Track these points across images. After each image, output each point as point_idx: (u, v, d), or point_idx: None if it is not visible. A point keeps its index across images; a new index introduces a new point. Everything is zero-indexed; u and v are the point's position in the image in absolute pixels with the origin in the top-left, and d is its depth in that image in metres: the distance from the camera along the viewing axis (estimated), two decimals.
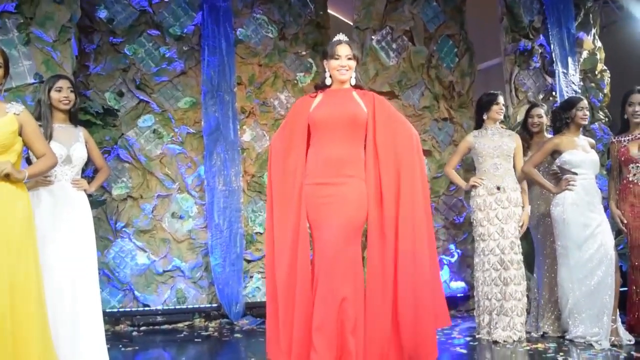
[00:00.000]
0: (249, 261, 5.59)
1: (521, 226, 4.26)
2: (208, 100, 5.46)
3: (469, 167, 5.33)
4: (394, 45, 5.89)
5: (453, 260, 5.86)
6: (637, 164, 4.12)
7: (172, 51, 5.54)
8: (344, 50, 3.09)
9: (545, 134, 4.67)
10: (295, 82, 5.96)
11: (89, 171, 4.73)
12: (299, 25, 6.00)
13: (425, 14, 6.02)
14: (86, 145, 3.72)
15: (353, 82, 3.15)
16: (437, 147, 5.92)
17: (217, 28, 5.52)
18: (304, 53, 6.01)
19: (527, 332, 4.25)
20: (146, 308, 5.26)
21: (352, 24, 6.02)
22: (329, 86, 3.16)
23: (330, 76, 3.14)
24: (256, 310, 5.44)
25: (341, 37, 3.16)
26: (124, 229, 5.30)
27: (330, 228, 2.93)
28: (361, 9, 5.80)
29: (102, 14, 5.39)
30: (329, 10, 6.42)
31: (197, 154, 5.53)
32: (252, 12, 5.83)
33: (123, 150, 5.36)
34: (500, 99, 4.37)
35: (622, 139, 4.24)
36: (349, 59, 3.09)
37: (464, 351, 4.01)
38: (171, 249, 5.39)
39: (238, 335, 4.80)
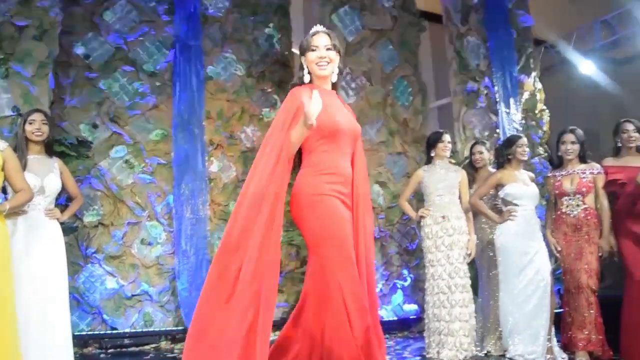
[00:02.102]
0: None
1: (469, 254, 4.58)
2: (178, 133, 5.76)
3: (421, 197, 5.74)
4: (353, 85, 6.32)
5: (406, 284, 6.22)
6: (570, 197, 4.46)
7: (145, 86, 5.84)
8: (322, 40, 2.67)
9: (489, 168, 5.09)
10: (261, 117, 6.32)
11: (62, 199, 4.93)
12: (266, 64, 6.40)
13: (382, 57, 6.49)
14: (61, 176, 3.90)
15: (334, 78, 2.76)
16: (392, 179, 6.34)
17: (188, 66, 5.84)
18: (269, 90, 6.39)
19: (472, 352, 4.49)
20: (114, 331, 5.44)
21: None
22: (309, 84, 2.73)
23: (309, 72, 2.71)
24: None
25: (317, 27, 2.76)
26: (94, 255, 5.50)
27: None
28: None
29: (79, 50, 5.67)
30: (293, 50, 6.84)
31: (167, 183, 5.80)
32: (222, 51, 6.19)
33: (95, 179, 5.58)
34: (446, 137, 4.72)
35: (557, 174, 4.59)
36: (328, 49, 2.66)
37: None
38: (140, 274, 5.61)
39: None
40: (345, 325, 2.49)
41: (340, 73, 2.80)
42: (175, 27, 5.91)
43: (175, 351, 5.26)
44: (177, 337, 5.60)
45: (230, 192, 6.07)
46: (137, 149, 5.77)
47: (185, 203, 5.69)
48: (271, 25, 6.45)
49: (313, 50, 2.66)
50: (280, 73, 6.47)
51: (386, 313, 6.12)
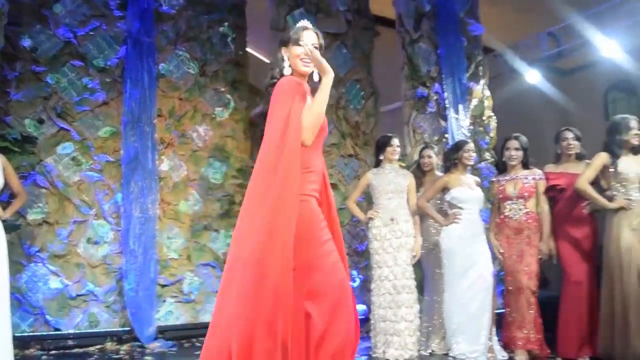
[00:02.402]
0: (162, 286, 5.77)
1: (414, 256, 4.70)
2: (128, 131, 5.66)
3: (370, 199, 5.83)
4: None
5: (355, 285, 6.30)
6: (512, 201, 4.62)
7: (95, 82, 5.72)
8: (311, 37, 2.64)
9: (436, 172, 5.22)
10: (214, 116, 6.29)
11: (4, 196, 4.80)
12: (220, 63, 6.37)
13: (336, 60, 6.54)
14: (3, 172, 3.81)
15: (316, 77, 2.66)
16: (342, 181, 6.41)
17: (140, 62, 5.75)
18: (222, 89, 6.36)
19: (417, 351, 4.65)
20: (57, 332, 5.31)
21: (268, 64, 6.42)
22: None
23: (290, 66, 2.65)
24: (168, 333, 5.63)
25: (306, 23, 2.71)
26: (37, 254, 5.35)
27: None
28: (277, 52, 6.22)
29: (26, 42, 5.49)
30: (248, 50, 6.83)
31: (115, 181, 5.70)
32: (175, 48, 6.13)
33: (40, 176, 5.43)
34: (394, 141, 4.82)
35: (501, 178, 4.76)
36: (315, 47, 2.62)
37: None
38: (85, 274, 5.49)
39: (149, 358, 4.95)
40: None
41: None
42: (128, 22, 5.81)
43: (121, 352, 5.18)
44: (123, 337, 5.51)
45: (180, 192, 6.02)
46: (85, 145, 5.65)
47: (134, 202, 5.60)
48: (226, 24, 6.42)
49: (300, 44, 2.61)
50: (234, 73, 6.45)
51: None
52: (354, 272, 6.32)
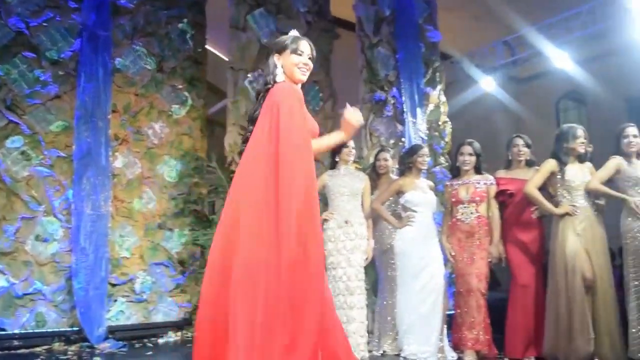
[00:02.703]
0: (113, 285, 5.67)
1: (366, 258, 4.72)
2: (81, 126, 5.54)
3: (326, 200, 5.85)
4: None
5: None
6: (465, 205, 4.71)
7: (47, 75, 5.57)
8: (307, 48, 2.72)
9: (391, 175, 5.29)
10: (170, 113, 6.22)
11: None
12: (178, 59, 6.30)
13: None
14: None
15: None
16: None
17: (95, 56, 5.64)
18: (180, 86, 6.29)
19: (369, 351, 4.69)
20: (2, 332, 5.14)
21: (227, 62, 6.40)
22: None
23: (284, 73, 2.70)
24: (119, 333, 5.53)
25: (297, 33, 2.82)
26: None
27: None
28: (236, 51, 6.20)
29: None
30: (208, 47, 6.78)
31: (66, 177, 5.56)
32: (132, 43, 6.03)
33: None
34: (350, 143, 4.82)
35: (454, 183, 4.85)
36: (309, 58, 2.73)
37: None
38: (33, 272, 5.34)
39: (97, 358, 4.86)
40: None
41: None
42: (83, 14, 5.69)
43: (69, 353, 5.06)
44: (71, 338, 5.39)
45: (134, 189, 5.92)
46: (36, 140, 5.50)
47: (85, 199, 5.48)
48: (185, 20, 6.35)
49: (299, 54, 2.68)
50: (192, 70, 6.39)
51: None
52: None
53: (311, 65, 2.72)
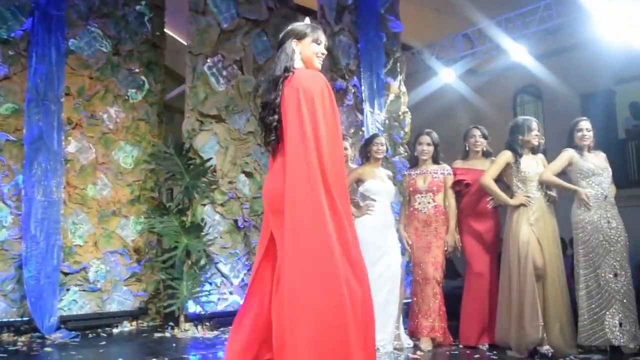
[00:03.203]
0: (66, 274, 5.52)
1: None
2: (32, 108, 5.33)
3: None
4: (224, 72, 6.24)
5: None
6: (422, 195, 4.78)
7: None
8: (324, 38, 2.79)
9: (350, 164, 5.28)
10: (127, 97, 6.07)
11: None
12: (135, 42, 6.14)
13: (256, 47, 6.48)
14: None
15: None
16: (258, 169, 6.37)
17: (47, 36, 5.43)
18: (137, 70, 6.14)
19: None
20: None
21: (186, 46, 6.27)
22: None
23: (302, 59, 2.73)
24: (71, 323, 5.39)
25: (313, 23, 2.88)
26: None
27: None
28: (195, 35, 6.08)
29: None
30: (166, 30, 6.62)
31: (16, 162, 5.36)
32: (87, 24, 5.84)
33: None
34: None
35: (412, 172, 4.91)
36: (325, 48, 2.81)
37: None
38: None
39: (49, 349, 4.71)
40: None
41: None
42: None
43: (19, 344, 4.90)
44: (21, 328, 5.23)
45: (88, 175, 5.76)
46: None
47: (36, 184, 5.29)
48: (143, 2, 6.19)
49: (318, 43, 2.73)
50: (149, 53, 6.25)
51: None
52: None
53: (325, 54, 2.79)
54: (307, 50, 2.72)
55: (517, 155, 4.47)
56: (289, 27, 2.78)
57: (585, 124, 4.46)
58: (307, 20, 2.89)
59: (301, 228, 2.45)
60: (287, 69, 2.66)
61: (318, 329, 2.37)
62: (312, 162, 2.47)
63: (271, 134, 2.62)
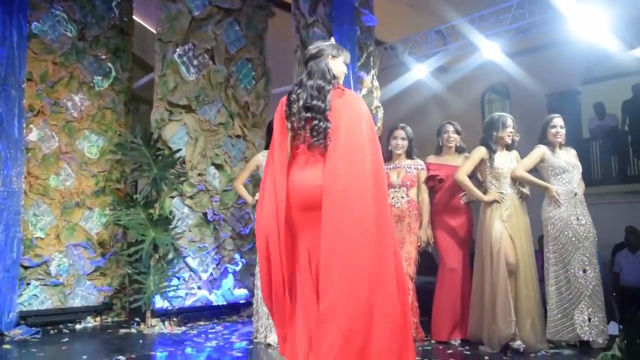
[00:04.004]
0: (26, 267, 5.30)
1: None
2: None
3: (257, 182, 5.73)
4: (195, 62, 6.09)
5: (238, 269, 6.19)
6: (396, 189, 4.73)
7: None
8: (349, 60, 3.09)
9: None
10: (92, 85, 5.87)
11: None
12: (101, 28, 5.94)
13: (228, 36, 6.34)
14: None
15: None
16: (229, 162, 6.24)
17: (9, 18, 5.19)
18: (103, 57, 5.95)
19: None
20: None
21: (156, 34, 6.10)
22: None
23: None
24: (31, 319, 5.19)
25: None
26: None
27: None
28: (165, 22, 5.91)
29: None
30: (135, 17, 6.42)
31: None
32: (51, 7, 5.62)
33: None
34: None
35: (386, 167, 4.81)
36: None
37: (240, 354, 4.31)
38: None
39: (7, 346, 4.52)
40: None
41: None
42: None
43: None
44: None
45: (50, 165, 5.55)
46: None
47: None
48: None
49: (345, 64, 2.97)
50: (117, 40, 6.06)
51: (216, 297, 6.03)
52: (237, 256, 6.20)
53: None
54: (337, 68, 2.92)
55: (492, 151, 4.47)
56: (325, 45, 2.96)
57: (559, 121, 4.50)
58: (333, 40, 3.08)
59: (359, 228, 2.66)
60: (330, 82, 2.86)
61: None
62: (370, 171, 2.74)
63: (320, 137, 2.78)
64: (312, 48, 2.99)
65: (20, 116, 5.23)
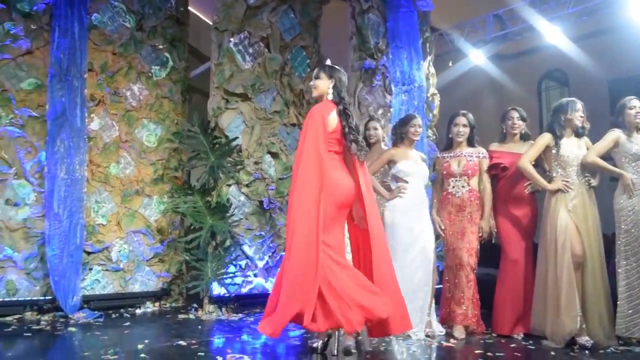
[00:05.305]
0: (89, 253, 5.43)
1: None
2: (55, 84, 5.21)
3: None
4: (250, 50, 6.08)
5: None
6: (456, 178, 4.61)
7: (19, 28, 5.21)
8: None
9: (382, 145, 5.14)
10: (150, 74, 5.94)
11: None
12: (158, 18, 5.99)
13: (283, 24, 6.31)
14: None
15: (329, 97, 3.70)
16: (284, 150, 6.23)
17: (70, 10, 5.29)
18: (161, 47, 6.00)
19: None
20: None
21: (211, 23, 6.12)
22: None
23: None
24: (94, 303, 5.32)
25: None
26: None
27: None
28: (221, 11, 5.92)
29: None
30: (190, 8, 6.46)
31: (39, 139, 5.25)
32: None
33: None
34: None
35: (446, 155, 4.73)
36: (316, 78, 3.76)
37: (296, 342, 4.30)
38: (3, 238, 5.06)
39: (72, 329, 4.63)
40: None
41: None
42: None
43: (42, 322, 4.83)
44: (44, 307, 5.16)
45: (111, 153, 5.66)
46: (6, 98, 5.15)
47: (59, 162, 5.18)
48: None
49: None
50: (174, 30, 6.10)
51: (271, 285, 6.04)
52: None
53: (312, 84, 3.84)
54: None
55: (558, 137, 4.30)
56: (336, 67, 3.78)
57: (637, 102, 4.26)
58: (329, 61, 3.80)
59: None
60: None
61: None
62: None
63: (367, 146, 3.85)
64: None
65: (82, 106, 5.34)
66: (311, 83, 3.75)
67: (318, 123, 3.50)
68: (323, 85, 3.72)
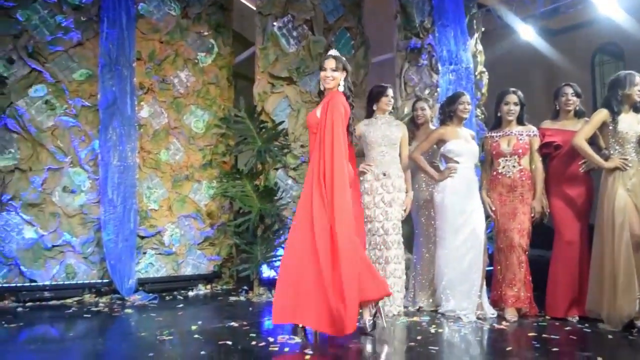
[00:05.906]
0: (142, 237, 5.59)
1: (405, 210, 4.53)
2: (105, 74, 5.35)
3: (358, 153, 5.65)
4: (294, 33, 6.07)
5: None
6: (506, 158, 4.50)
7: (69, 20, 5.36)
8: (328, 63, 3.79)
9: (430, 125, 5.06)
10: (196, 61, 6.01)
11: None
12: (203, 5, 6.05)
13: (326, 6, 6.25)
14: None
15: (341, 89, 3.78)
16: None
17: (117, 1, 5.40)
18: (206, 33, 6.06)
19: (404, 307, 4.56)
20: (33, 283, 5.11)
21: (255, 8, 6.13)
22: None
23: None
24: (149, 286, 5.48)
25: (331, 52, 3.89)
26: (10, 202, 5.10)
27: None
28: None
29: None
30: None
31: (92, 127, 5.41)
32: None
33: (11, 120, 5.13)
34: (390, 92, 4.59)
35: (495, 134, 4.62)
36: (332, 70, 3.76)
37: None
38: (61, 224, 5.27)
39: (129, 310, 4.80)
40: None
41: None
42: None
43: (100, 305, 5.02)
44: (102, 290, 5.37)
45: (161, 140, 5.78)
46: (59, 88, 5.33)
47: (112, 149, 5.35)
48: None
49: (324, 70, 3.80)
50: (218, 16, 6.15)
51: None
52: None
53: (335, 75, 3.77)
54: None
55: (615, 113, 4.12)
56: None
57: None
58: (333, 51, 3.90)
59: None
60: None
61: None
62: None
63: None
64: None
65: (132, 94, 5.47)
66: (327, 74, 3.73)
67: (342, 115, 3.67)
68: (340, 77, 3.78)
